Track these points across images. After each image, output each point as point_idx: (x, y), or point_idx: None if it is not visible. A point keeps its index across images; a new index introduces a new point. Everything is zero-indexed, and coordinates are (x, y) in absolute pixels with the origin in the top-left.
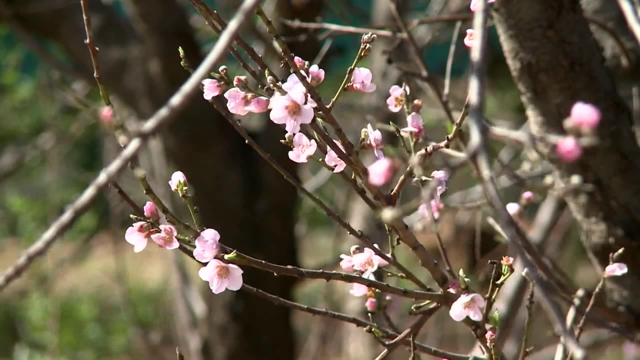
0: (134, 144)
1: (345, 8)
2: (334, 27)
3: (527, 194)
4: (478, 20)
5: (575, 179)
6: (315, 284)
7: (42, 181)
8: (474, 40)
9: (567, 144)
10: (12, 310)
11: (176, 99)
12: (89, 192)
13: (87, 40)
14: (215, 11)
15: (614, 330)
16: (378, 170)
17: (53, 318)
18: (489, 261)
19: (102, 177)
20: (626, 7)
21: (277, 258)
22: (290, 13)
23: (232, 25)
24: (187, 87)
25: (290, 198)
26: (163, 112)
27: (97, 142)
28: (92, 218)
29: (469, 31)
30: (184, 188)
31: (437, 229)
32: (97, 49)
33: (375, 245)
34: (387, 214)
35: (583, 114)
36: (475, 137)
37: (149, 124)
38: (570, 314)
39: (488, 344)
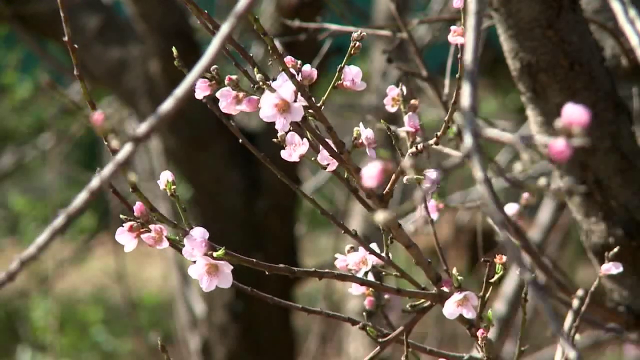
0: (127, 148)
1: (345, 8)
2: (334, 27)
3: (527, 194)
4: (470, 22)
5: (569, 180)
6: (315, 284)
7: (42, 181)
8: (467, 42)
9: (558, 145)
10: (14, 311)
11: (169, 103)
12: (82, 197)
13: (66, 38)
14: (210, 11)
15: (609, 330)
16: (370, 173)
17: (55, 319)
18: (483, 259)
19: (96, 182)
20: (616, 7)
21: (277, 258)
22: (289, 12)
23: (224, 28)
24: (180, 90)
25: (290, 198)
26: (156, 116)
27: (97, 142)
28: (92, 218)
29: (452, 28)
30: (173, 187)
31: (429, 231)
32: (75, 46)
33: (374, 245)
34: (380, 216)
35: (573, 114)
36: (468, 140)
37: (142, 129)
38: (569, 316)
39: (480, 342)
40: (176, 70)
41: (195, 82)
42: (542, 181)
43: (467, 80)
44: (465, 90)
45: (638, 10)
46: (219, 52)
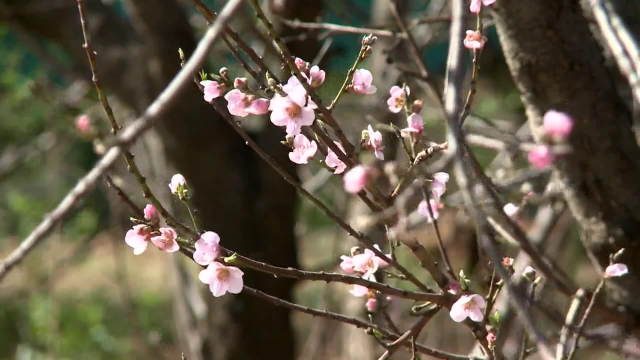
0: (112, 152)
1: (345, 8)
2: (334, 27)
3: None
4: (455, 28)
5: (553, 186)
6: (315, 284)
7: (42, 181)
8: (451, 47)
9: (540, 152)
10: (14, 311)
11: (154, 108)
12: (68, 201)
13: (86, 45)
14: (215, 11)
15: (603, 341)
16: (353, 178)
17: (55, 319)
18: (489, 262)
19: (81, 186)
20: (600, 16)
21: (277, 258)
22: (282, 13)
23: (210, 33)
24: (166, 95)
25: (290, 198)
26: (141, 121)
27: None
28: (92, 218)
29: (468, 32)
30: (184, 191)
31: (412, 237)
32: (95, 53)
33: (376, 246)
34: (362, 221)
35: (555, 122)
36: (451, 145)
37: (127, 133)
38: (569, 316)
39: (489, 346)
40: (176, 70)
41: (181, 87)
42: (525, 187)
43: (452, 85)
44: (450, 95)
45: (623, 19)
46: (206, 57)
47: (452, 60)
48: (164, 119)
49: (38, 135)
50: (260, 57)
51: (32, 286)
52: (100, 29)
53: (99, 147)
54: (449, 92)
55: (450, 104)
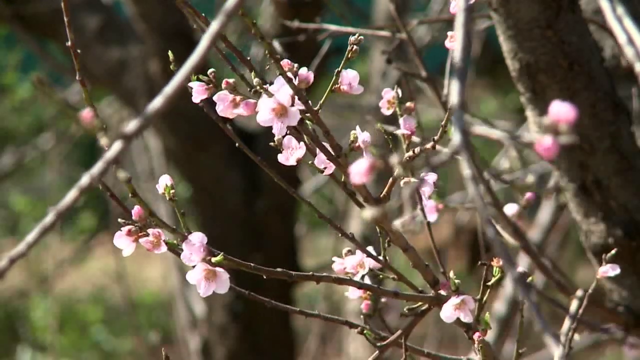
0: (117, 145)
1: (345, 8)
2: (333, 27)
3: (527, 194)
4: (459, 19)
5: (558, 178)
6: (316, 284)
7: (42, 181)
8: (456, 39)
9: (545, 142)
10: (14, 311)
11: (158, 101)
12: (72, 194)
13: (69, 43)
14: (209, 12)
15: (606, 332)
16: (358, 169)
17: (55, 319)
18: (480, 262)
19: (85, 179)
20: (604, 5)
21: (277, 258)
22: (286, 10)
23: (214, 26)
24: (170, 88)
25: (290, 198)
26: (146, 113)
27: (97, 142)
28: (92, 219)
29: (449, 33)
30: (171, 191)
31: (415, 230)
32: (78, 51)
33: (371, 248)
34: (368, 213)
35: (560, 111)
36: (456, 137)
37: (131, 126)
38: (567, 317)
39: (476, 345)
40: (176, 70)
41: (186, 80)
42: (530, 179)
43: (456, 77)
44: (454, 88)
45: (627, 8)
46: (209, 50)
47: (457, 52)
48: (164, 119)
49: (38, 135)
50: (248, 59)
51: (32, 286)
52: (100, 29)
53: (103, 140)
54: (453, 84)
55: (454, 96)
